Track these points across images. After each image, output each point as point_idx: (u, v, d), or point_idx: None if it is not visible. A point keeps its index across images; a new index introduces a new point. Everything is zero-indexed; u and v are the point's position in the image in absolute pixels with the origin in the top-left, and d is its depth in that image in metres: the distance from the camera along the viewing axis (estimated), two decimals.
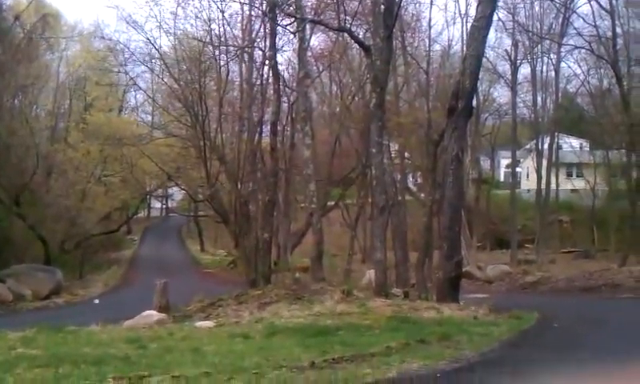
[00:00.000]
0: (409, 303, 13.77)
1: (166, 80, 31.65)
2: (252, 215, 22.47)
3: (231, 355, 7.91)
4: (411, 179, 40.78)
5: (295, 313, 12.34)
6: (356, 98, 33.97)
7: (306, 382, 6.48)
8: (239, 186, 22.81)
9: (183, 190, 39.10)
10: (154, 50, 30.42)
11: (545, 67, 41.19)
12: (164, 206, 63.81)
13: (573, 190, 46.25)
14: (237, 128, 26.21)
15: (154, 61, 31.73)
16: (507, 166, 53.43)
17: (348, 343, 8.76)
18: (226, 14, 27.51)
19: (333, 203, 36.24)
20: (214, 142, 26.57)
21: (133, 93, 48.03)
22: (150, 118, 44.74)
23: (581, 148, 49.79)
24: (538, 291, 24.23)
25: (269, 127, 23.11)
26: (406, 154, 35.31)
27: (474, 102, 22.59)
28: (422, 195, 29.98)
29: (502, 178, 59.88)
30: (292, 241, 31.06)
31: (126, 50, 32.32)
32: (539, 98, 41.84)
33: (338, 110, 36.58)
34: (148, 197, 53.21)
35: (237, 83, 30.28)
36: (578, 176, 48.35)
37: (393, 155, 25.55)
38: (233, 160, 24.05)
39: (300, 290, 15.18)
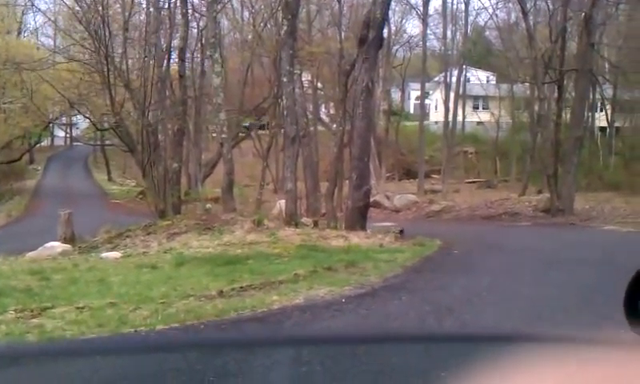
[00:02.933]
0: (318, 232, 14.01)
1: (66, 1, 29.99)
2: (161, 145, 21.90)
3: (138, 286, 7.86)
4: (323, 110, 40.90)
5: (205, 243, 12.35)
6: (268, 26, 33.38)
7: (213, 309, 6.55)
8: (146, 114, 22.09)
9: (87, 118, 37.56)
10: None
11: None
12: (68, 135, 61.38)
13: (478, 123, 47.65)
14: (143, 54, 25.19)
15: None
16: (417, 98, 54.29)
17: (257, 272, 8.87)
18: None
19: (245, 133, 35.91)
20: (119, 68, 25.54)
21: (32, 14, 45.48)
22: (51, 41, 42.52)
23: (487, 81, 51.20)
24: (443, 219, 25.15)
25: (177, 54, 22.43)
26: (319, 85, 35.28)
27: (386, 33, 22.65)
28: (334, 126, 30.13)
29: (411, 110, 60.74)
30: (203, 171, 30.70)
31: None
32: (449, 31, 42.58)
33: (249, 37, 35.85)
34: (51, 125, 50.99)
35: (143, 6, 29.04)
36: (483, 109, 49.77)
37: (305, 85, 25.41)
38: (139, 87, 23.19)
39: (210, 220, 15.11)
